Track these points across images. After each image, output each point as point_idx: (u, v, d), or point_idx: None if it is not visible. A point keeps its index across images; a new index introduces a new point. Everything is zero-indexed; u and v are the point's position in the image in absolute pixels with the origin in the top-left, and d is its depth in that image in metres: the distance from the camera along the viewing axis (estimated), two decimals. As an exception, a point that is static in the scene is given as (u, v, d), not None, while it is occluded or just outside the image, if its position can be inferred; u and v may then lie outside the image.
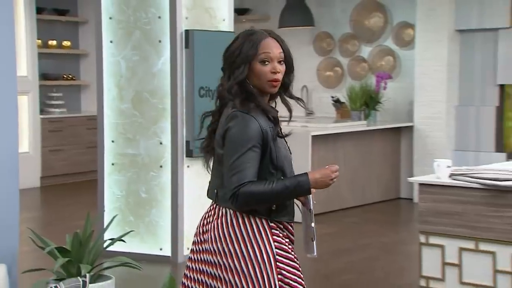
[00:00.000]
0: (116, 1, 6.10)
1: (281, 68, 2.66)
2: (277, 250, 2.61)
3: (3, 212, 3.11)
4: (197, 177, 6.07)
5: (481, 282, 4.08)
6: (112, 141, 6.18)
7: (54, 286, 2.73)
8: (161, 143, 5.97)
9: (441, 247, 4.18)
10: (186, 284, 2.73)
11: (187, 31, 5.90)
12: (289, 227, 2.68)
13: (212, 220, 2.67)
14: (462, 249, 4.12)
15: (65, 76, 10.62)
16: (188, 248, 5.99)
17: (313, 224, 2.70)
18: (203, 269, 2.67)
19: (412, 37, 9.12)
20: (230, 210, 2.61)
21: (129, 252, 5.85)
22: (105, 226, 5.48)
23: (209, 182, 2.77)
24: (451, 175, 4.23)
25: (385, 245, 6.53)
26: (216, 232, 2.63)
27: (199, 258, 2.69)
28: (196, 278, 2.70)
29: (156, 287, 5.26)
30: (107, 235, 5.10)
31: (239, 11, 10.27)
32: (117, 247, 5.56)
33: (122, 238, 4.32)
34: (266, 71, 2.62)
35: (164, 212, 5.95)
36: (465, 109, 8.68)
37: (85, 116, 10.34)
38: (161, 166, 5.97)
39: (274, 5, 10.05)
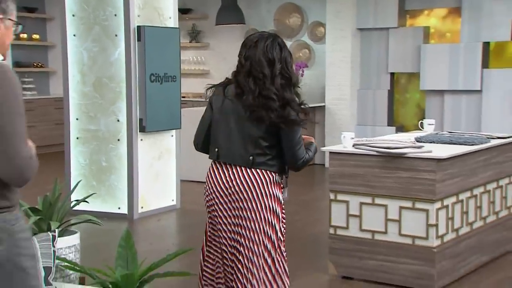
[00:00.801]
0: (78, 1, 6.01)
1: None
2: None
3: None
4: (149, 149, 6.10)
5: (376, 229, 4.22)
6: (77, 119, 6.13)
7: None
8: (118, 121, 5.95)
9: (346, 202, 4.29)
10: (213, 222, 2.94)
11: (139, 27, 5.87)
12: None
13: (239, 177, 2.85)
14: (362, 203, 4.24)
15: (35, 64, 10.39)
16: (142, 207, 6.04)
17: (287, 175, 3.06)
18: (231, 214, 2.88)
19: (323, 34, 9.28)
20: (262, 170, 2.86)
21: (92, 211, 5.83)
22: (71, 189, 5.49)
23: (233, 150, 2.87)
24: (354, 145, 4.35)
25: (303, 201, 6.70)
26: (246, 186, 2.85)
27: (227, 207, 2.88)
28: (224, 222, 2.90)
29: (114, 239, 5.30)
30: (73, 197, 5.08)
31: (183, 11, 10.17)
32: (82, 207, 5.58)
33: (86, 200, 4.32)
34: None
35: (121, 177, 5.96)
36: (364, 92, 8.92)
37: (53, 98, 10.16)
38: (118, 140, 5.96)
39: (212, 6, 10.00)
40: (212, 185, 2.92)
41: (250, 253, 2.85)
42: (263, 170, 2.86)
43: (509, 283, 4.40)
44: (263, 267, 2.85)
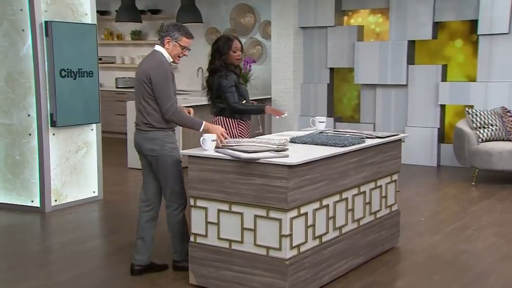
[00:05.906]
0: (-15, -5, 4.80)
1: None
2: None
3: None
4: (63, 143, 4.96)
5: (233, 238, 3.10)
6: (-10, 113, 4.98)
7: None
8: (29, 115, 4.80)
9: (205, 209, 3.18)
10: None
11: (46, 22, 4.68)
12: None
13: None
14: (220, 211, 3.13)
15: None
16: (55, 200, 4.94)
17: None
18: None
19: (272, 32, 8.07)
20: None
21: (8, 203, 4.85)
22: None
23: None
24: (216, 148, 3.26)
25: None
26: None
27: None
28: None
29: (25, 233, 4.28)
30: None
31: (153, 11, 9.13)
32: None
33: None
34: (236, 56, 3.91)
35: (34, 171, 4.83)
36: (307, 85, 7.70)
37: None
38: (30, 134, 4.81)
39: (178, 7, 8.87)
40: None
41: None
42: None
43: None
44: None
